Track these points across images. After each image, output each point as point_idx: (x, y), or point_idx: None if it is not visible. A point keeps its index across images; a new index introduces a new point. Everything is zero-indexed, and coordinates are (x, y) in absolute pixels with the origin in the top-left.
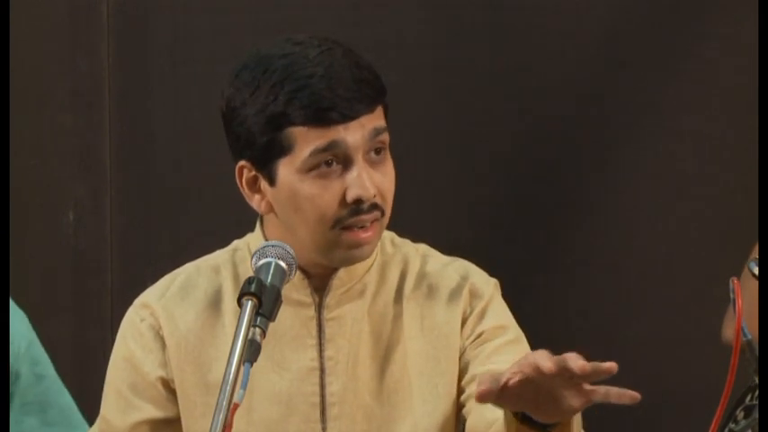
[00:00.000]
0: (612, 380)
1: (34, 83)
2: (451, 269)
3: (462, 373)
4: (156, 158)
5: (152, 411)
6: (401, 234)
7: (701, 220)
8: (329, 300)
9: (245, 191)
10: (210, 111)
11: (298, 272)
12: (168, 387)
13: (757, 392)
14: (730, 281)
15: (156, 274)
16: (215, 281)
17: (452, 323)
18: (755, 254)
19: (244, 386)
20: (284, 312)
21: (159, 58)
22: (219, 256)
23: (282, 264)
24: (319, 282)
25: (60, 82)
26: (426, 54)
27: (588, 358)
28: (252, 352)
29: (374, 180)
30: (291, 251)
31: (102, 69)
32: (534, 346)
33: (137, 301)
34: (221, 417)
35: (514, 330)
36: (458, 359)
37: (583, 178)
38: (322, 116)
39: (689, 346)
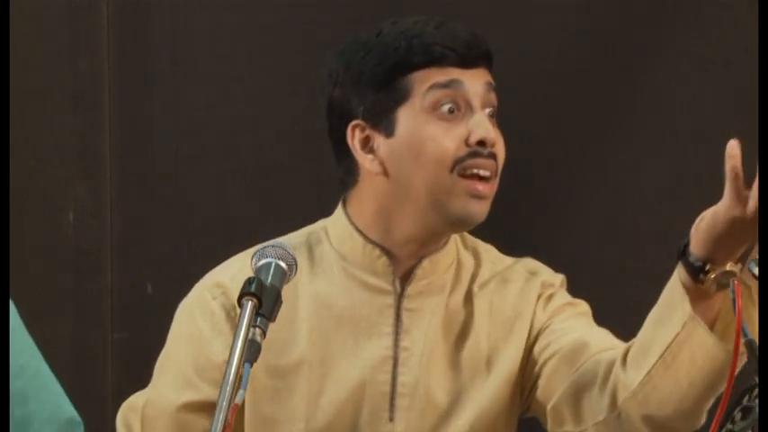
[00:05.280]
0: None
1: (34, 83)
2: (520, 266)
3: (533, 345)
4: (156, 158)
5: (211, 394)
6: None
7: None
8: (411, 290)
9: (358, 151)
10: (210, 111)
11: (384, 257)
12: None
13: (755, 392)
14: (731, 281)
15: (156, 274)
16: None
17: (523, 310)
18: (755, 254)
19: (244, 386)
20: (360, 298)
21: (159, 58)
22: (294, 238)
23: (282, 264)
24: (403, 271)
25: (60, 82)
26: None
27: None
28: (252, 352)
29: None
30: (291, 252)
31: (102, 69)
32: None
33: (207, 280)
34: (221, 417)
35: (585, 306)
36: (523, 345)
37: (582, 178)
38: (441, 55)
39: None
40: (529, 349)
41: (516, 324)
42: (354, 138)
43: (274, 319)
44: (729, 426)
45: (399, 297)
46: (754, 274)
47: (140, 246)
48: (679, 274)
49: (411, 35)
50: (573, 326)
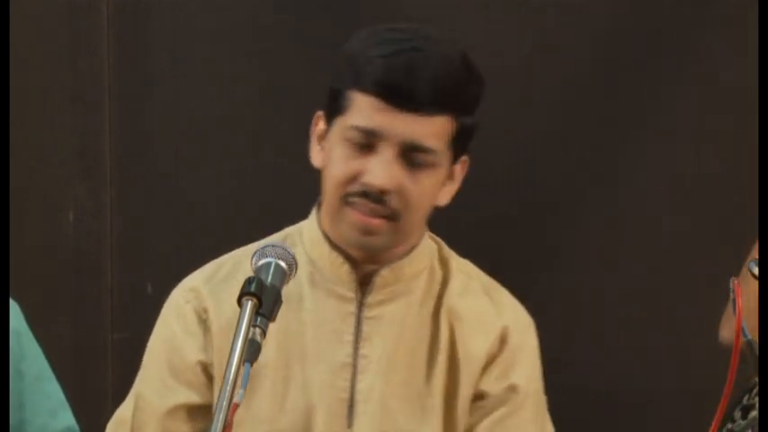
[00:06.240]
0: (611, 382)
1: (34, 83)
2: (490, 301)
3: (473, 401)
4: (156, 158)
5: (188, 396)
6: None
7: (700, 220)
8: (371, 299)
9: (313, 139)
10: (210, 111)
11: (347, 264)
12: (207, 372)
13: (754, 391)
14: (731, 281)
15: (156, 274)
16: None
17: (477, 360)
18: (756, 253)
19: (244, 386)
20: (325, 304)
21: (159, 58)
22: (272, 240)
23: (282, 264)
24: (365, 278)
25: (60, 82)
26: None
27: (587, 358)
28: (252, 352)
29: (398, 180)
30: (291, 251)
31: (102, 69)
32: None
33: (183, 284)
34: (221, 417)
35: (523, 393)
36: (473, 388)
37: (583, 178)
38: (381, 88)
39: (689, 346)
40: (471, 397)
41: (474, 366)
42: (316, 126)
43: (274, 319)
44: (730, 425)
45: (360, 305)
46: (754, 274)
47: (140, 246)
48: None
49: (374, 54)
50: None
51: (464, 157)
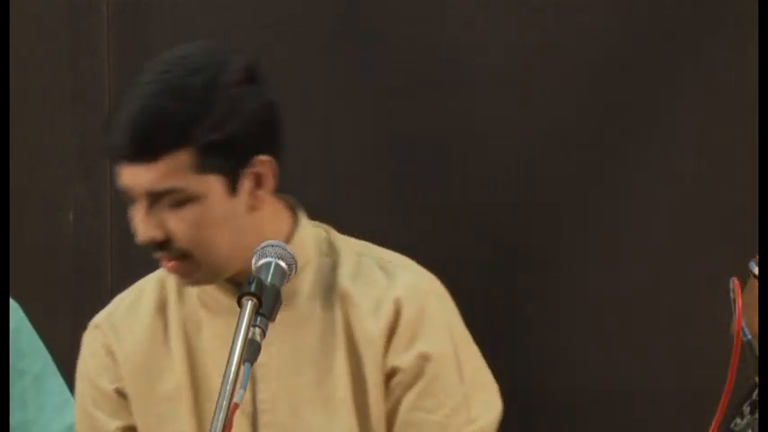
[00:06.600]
0: (611, 382)
1: (34, 83)
2: (384, 276)
3: (389, 377)
4: None
5: (116, 422)
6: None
7: (700, 220)
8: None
9: None
10: None
11: (225, 281)
12: (124, 397)
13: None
14: (730, 281)
15: None
16: (161, 292)
17: (376, 339)
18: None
19: (244, 386)
20: (218, 322)
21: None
22: None
23: (282, 264)
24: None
25: (60, 82)
26: (430, 53)
27: (587, 358)
28: (252, 352)
29: (159, 228)
30: (291, 251)
31: (102, 69)
32: (534, 344)
33: (90, 322)
34: (221, 416)
35: (436, 360)
36: (381, 375)
37: (583, 178)
38: (115, 153)
39: (689, 346)
40: (386, 376)
41: (375, 346)
42: None
43: (274, 319)
44: (739, 420)
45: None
46: (754, 274)
47: (140, 246)
48: None
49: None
50: (422, 407)
51: (262, 157)
